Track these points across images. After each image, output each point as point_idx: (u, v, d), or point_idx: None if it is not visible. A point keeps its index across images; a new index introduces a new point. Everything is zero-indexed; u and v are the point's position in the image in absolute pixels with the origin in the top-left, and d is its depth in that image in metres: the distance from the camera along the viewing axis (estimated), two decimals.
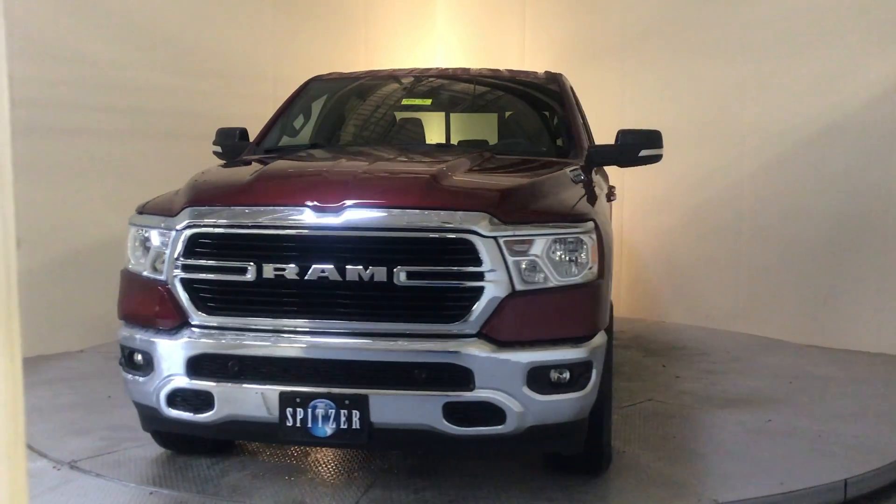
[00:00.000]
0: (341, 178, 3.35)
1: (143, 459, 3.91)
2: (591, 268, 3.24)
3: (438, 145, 4.70)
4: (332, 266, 3.07)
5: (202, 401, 3.23)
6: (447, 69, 5.46)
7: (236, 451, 3.99)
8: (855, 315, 6.58)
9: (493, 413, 3.06)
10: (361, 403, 3.05)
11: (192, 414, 3.26)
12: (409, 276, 3.05)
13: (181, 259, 3.25)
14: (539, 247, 3.12)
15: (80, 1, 6.15)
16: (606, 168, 5.29)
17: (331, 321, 3.14)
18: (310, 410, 3.09)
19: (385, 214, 3.11)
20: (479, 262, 3.04)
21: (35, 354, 5.59)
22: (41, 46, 5.82)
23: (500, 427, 3.07)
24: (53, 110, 5.89)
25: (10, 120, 1.26)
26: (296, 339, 3.14)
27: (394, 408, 3.08)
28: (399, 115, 5.21)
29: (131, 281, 3.49)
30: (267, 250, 3.18)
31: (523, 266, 3.10)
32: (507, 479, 3.68)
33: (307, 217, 3.13)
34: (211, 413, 3.21)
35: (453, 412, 3.05)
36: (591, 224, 3.28)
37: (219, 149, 4.85)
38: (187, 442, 3.89)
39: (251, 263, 3.14)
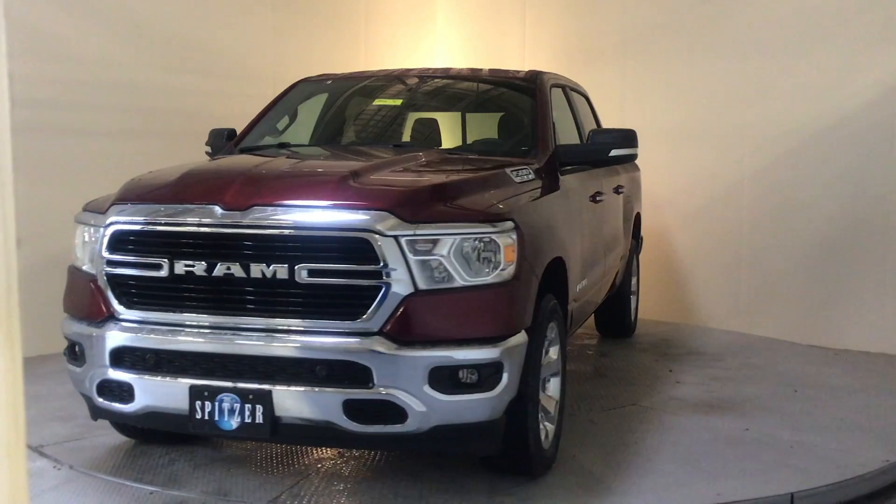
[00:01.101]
0: (253, 179, 3.42)
1: (104, 447, 4.04)
2: (503, 268, 3.20)
3: (395, 145, 4.65)
4: (237, 263, 3.16)
5: (125, 392, 3.36)
6: (429, 69, 5.45)
7: (199, 441, 4.05)
8: (855, 315, 6.58)
9: (393, 411, 3.07)
10: (265, 398, 3.12)
11: (117, 404, 3.40)
12: (311, 273, 3.11)
13: (106, 254, 3.40)
14: (445, 246, 3.11)
15: (80, 1, 6.15)
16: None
17: (237, 317, 3.21)
18: (217, 404, 3.18)
19: (287, 213, 3.17)
20: (377, 261, 3.06)
21: (35, 354, 5.59)
22: (41, 46, 5.82)
23: (401, 425, 3.09)
24: (53, 110, 5.89)
25: (10, 120, 1.26)
26: (205, 334, 3.24)
27: (296, 403, 3.12)
28: (371, 115, 5.26)
29: (73, 275, 3.66)
30: (179, 247, 3.28)
31: (427, 265, 3.10)
32: (433, 476, 3.69)
33: (216, 216, 3.22)
34: (133, 404, 3.35)
35: (353, 409, 3.08)
36: (508, 224, 3.24)
37: (210, 149, 4.90)
38: (148, 431, 3.96)
39: (165, 260, 3.26)
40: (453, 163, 4.10)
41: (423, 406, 3.06)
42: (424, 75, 5.25)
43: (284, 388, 3.12)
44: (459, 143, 5.04)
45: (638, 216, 6.71)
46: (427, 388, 3.05)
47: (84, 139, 6.08)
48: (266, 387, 3.13)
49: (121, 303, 3.37)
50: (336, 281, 3.11)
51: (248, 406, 3.14)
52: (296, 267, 3.11)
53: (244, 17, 7.27)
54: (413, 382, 3.04)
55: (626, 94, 7.60)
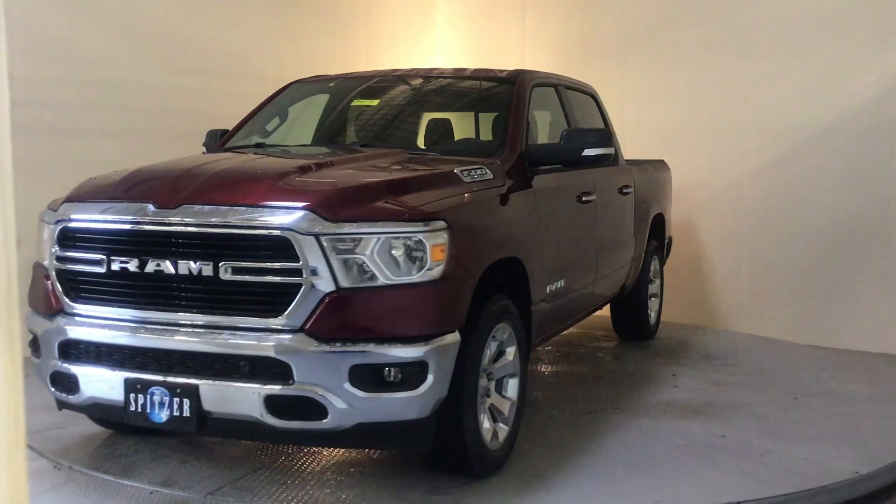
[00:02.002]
0: (186, 178, 3.50)
1: (78, 436, 4.16)
2: (430, 268, 3.20)
3: (362, 145, 4.64)
4: (166, 260, 3.26)
5: (72, 383, 3.48)
6: (414, 70, 5.44)
7: (173, 434, 4.09)
8: (855, 315, 6.59)
9: (313, 408, 3.11)
10: (192, 392, 3.20)
11: (66, 395, 3.53)
12: (234, 271, 3.17)
13: (55, 250, 3.53)
14: (368, 245, 3.13)
15: (80, 1, 6.15)
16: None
17: (168, 313, 3.30)
18: (149, 397, 3.27)
19: (212, 212, 3.24)
20: (297, 259, 3.10)
21: None
22: (41, 46, 5.81)
23: (322, 422, 3.12)
24: (53, 110, 5.89)
25: (10, 120, 1.26)
26: (139, 329, 3.33)
27: (221, 398, 3.18)
28: (349, 115, 5.28)
29: (35, 270, 3.76)
30: (115, 244, 3.40)
31: (350, 264, 3.12)
32: (376, 472, 3.74)
33: (149, 214, 3.33)
34: (79, 395, 3.48)
35: (275, 405, 3.13)
36: (438, 224, 3.25)
37: (205, 149, 4.95)
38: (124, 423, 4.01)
39: (103, 256, 3.38)
40: (403, 163, 4.08)
41: (344, 403, 3.09)
42: (409, 76, 5.27)
43: (211, 383, 3.19)
44: (433, 142, 5.00)
45: (660, 217, 6.59)
46: (347, 386, 3.08)
47: (84, 139, 6.08)
48: (193, 381, 3.21)
49: (68, 297, 3.50)
50: (258, 279, 3.17)
51: (176, 400, 3.22)
52: (220, 264, 3.18)
53: (244, 17, 7.27)
54: (333, 379, 3.07)
55: (626, 94, 7.60)
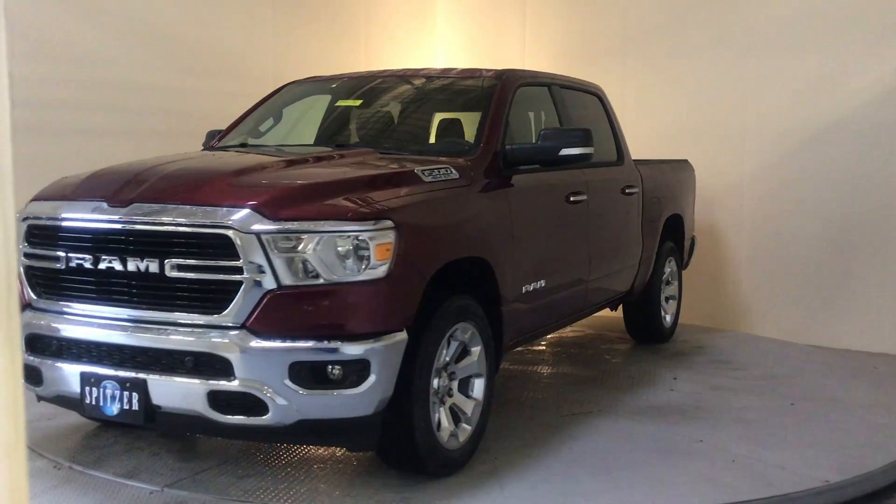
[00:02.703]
0: (139, 178, 3.56)
1: (63, 427, 4.29)
2: (374, 267, 3.22)
3: (338, 145, 4.70)
4: (117, 257, 3.35)
5: (37, 376, 3.60)
6: (403, 70, 5.45)
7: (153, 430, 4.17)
8: (855, 315, 6.59)
9: (254, 404, 3.16)
10: (141, 387, 3.29)
11: (35, 387, 3.65)
12: (180, 268, 3.25)
13: (22, 247, 3.65)
14: (309, 244, 3.15)
15: (80, 1, 6.15)
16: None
17: (119, 309, 3.40)
18: (102, 390, 3.37)
19: (160, 210, 3.32)
20: (237, 257, 3.15)
21: None
22: (41, 46, 5.81)
23: (263, 418, 3.17)
24: (53, 110, 5.89)
25: (10, 120, 1.26)
26: (94, 324, 3.44)
27: (168, 393, 3.27)
28: (332, 116, 5.31)
29: None
30: (72, 242, 3.50)
31: (291, 262, 3.15)
32: (329, 468, 3.78)
33: (102, 212, 3.43)
34: (44, 387, 3.61)
35: (217, 401, 3.19)
36: (384, 223, 3.27)
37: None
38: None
39: (61, 253, 3.49)
40: (366, 163, 4.08)
41: (284, 400, 3.13)
42: (398, 76, 5.29)
43: (158, 378, 3.28)
44: (409, 142, 4.99)
45: (677, 218, 6.49)
46: (287, 383, 3.12)
47: (84, 139, 6.08)
48: (142, 376, 3.29)
49: (34, 293, 3.64)
50: (202, 276, 3.23)
51: (126, 394, 3.31)
52: (165, 262, 3.26)
53: (244, 17, 7.27)
54: (273, 376, 3.12)
55: (626, 94, 7.60)
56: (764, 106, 6.96)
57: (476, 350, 3.83)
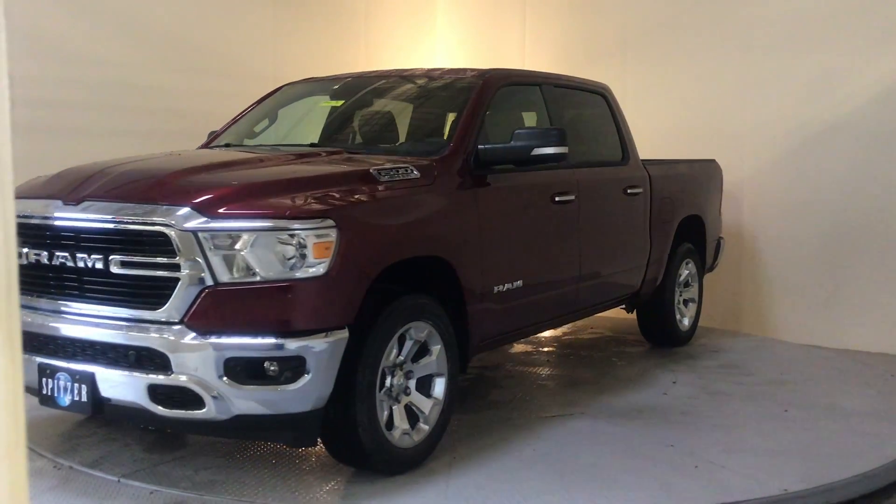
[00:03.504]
0: (93, 176, 3.68)
1: (52, 418, 4.35)
2: (311, 265, 3.25)
3: (312, 144, 4.74)
4: (68, 253, 3.48)
5: None
6: (391, 71, 5.47)
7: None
8: (854, 315, 6.59)
9: (191, 398, 3.25)
10: (89, 379, 3.40)
11: None
12: (122, 265, 3.36)
13: None
14: (246, 242, 3.21)
15: (80, 1, 6.15)
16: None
17: (72, 303, 3.52)
18: (55, 381, 3.49)
19: (106, 208, 3.44)
20: (174, 255, 3.24)
21: None
22: (41, 46, 5.81)
23: (200, 412, 3.25)
24: (53, 110, 5.89)
25: (11, 120, 1.26)
26: (49, 318, 3.56)
27: (114, 386, 3.37)
28: (313, 116, 5.37)
29: None
30: (32, 238, 3.62)
31: (228, 260, 3.22)
32: (280, 462, 3.87)
33: (57, 210, 3.55)
34: None
35: (157, 394, 3.30)
36: (324, 221, 3.30)
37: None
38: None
39: (24, 249, 3.61)
40: (326, 162, 4.12)
41: (219, 395, 3.21)
42: (385, 76, 5.31)
43: (104, 370, 3.39)
44: (381, 141, 5.04)
45: (695, 219, 6.36)
46: (223, 378, 3.19)
47: (84, 139, 6.08)
48: (90, 369, 3.40)
49: None
50: (142, 272, 3.33)
51: (76, 385, 3.43)
52: (110, 258, 3.37)
53: (244, 17, 7.27)
54: (208, 371, 3.19)
55: (626, 94, 7.59)
56: (764, 106, 6.96)
57: (436, 349, 3.85)
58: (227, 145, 5.00)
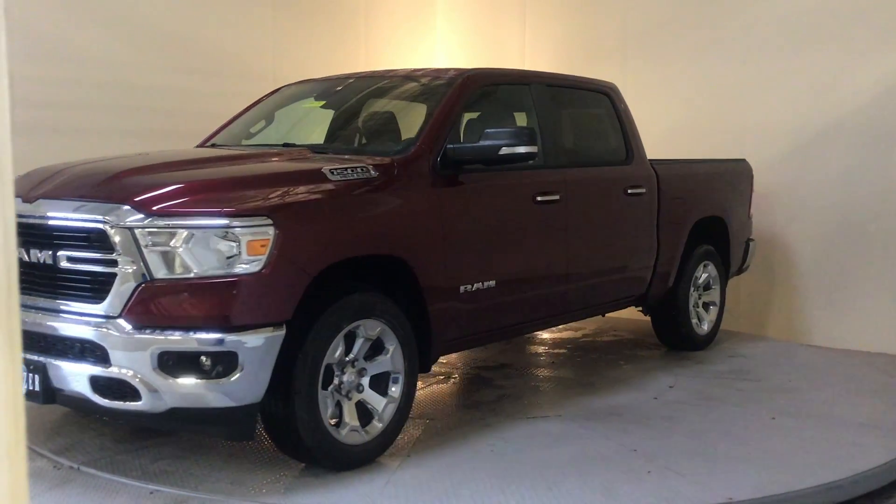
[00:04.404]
0: (48, 175, 3.81)
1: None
2: (245, 262, 3.32)
3: (285, 144, 4.77)
4: (23, 249, 3.60)
5: None
6: (374, 72, 5.48)
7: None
8: (855, 315, 6.58)
9: (128, 390, 3.35)
10: (41, 370, 3.51)
11: None
12: (69, 260, 3.50)
13: None
14: (181, 239, 3.30)
15: (80, 1, 6.15)
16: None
17: (29, 297, 3.63)
18: None
19: (54, 206, 3.58)
20: (112, 251, 3.37)
21: None
22: (41, 46, 5.82)
23: (137, 404, 3.35)
24: (53, 110, 5.89)
25: (10, 120, 1.26)
26: None
27: (62, 376, 3.48)
28: (293, 117, 5.41)
29: None
30: None
31: (164, 256, 3.32)
32: (239, 455, 3.97)
33: (18, 207, 3.61)
34: None
35: (98, 385, 3.41)
36: (259, 219, 3.36)
37: None
38: None
39: None
40: (278, 160, 4.19)
41: (154, 388, 3.30)
42: (372, 77, 5.36)
43: (54, 362, 3.50)
44: (346, 141, 5.08)
45: (715, 221, 6.22)
46: (156, 371, 3.29)
47: (84, 139, 6.08)
48: (42, 360, 3.52)
49: None
50: (86, 268, 3.47)
51: (30, 375, 3.54)
52: (57, 254, 3.51)
53: (244, 17, 7.27)
54: (143, 365, 3.29)
55: (626, 94, 7.58)
56: (764, 106, 6.96)
57: (391, 348, 3.88)
58: (213, 145, 5.09)
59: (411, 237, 4.02)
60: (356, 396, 3.80)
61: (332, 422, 3.68)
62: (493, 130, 4.34)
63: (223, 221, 3.32)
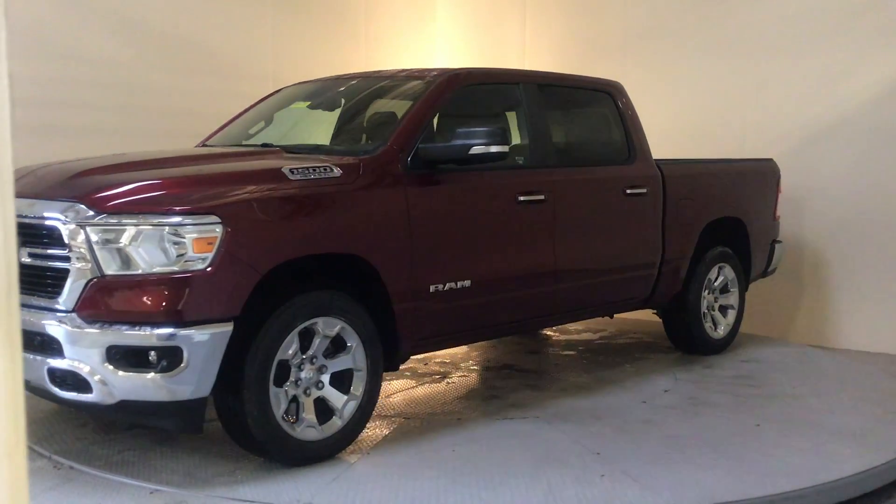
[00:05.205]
0: (26, 176, 3.91)
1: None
2: (191, 259, 3.40)
3: (264, 144, 4.81)
4: None
5: None
6: (363, 73, 5.48)
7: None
8: (855, 315, 6.58)
9: (81, 382, 3.45)
10: None
11: None
12: (30, 255, 3.61)
13: None
14: (129, 236, 3.40)
15: (80, 1, 6.15)
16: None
17: None
18: None
19: (20, 203, 3.65)
20: (64, 247, 3.48)
21: None
22: (41, 46, 5.82)
23: (89, 396, 3.46)
24: (53, 110, 5.89)
25: (11, 120, 1.26)
26: None
27: (27, 368, 3.53)
28: (280, 118, 5.41)
29: None
30: None
31: (113, 252, 3.42)
32: (202, 448, 4.06)
33: None
34: None
35: (54, 377, 3.51)
36: (207, 218, 3.44)
37: None
38: None
39: None
40: (237, 161, 4.24)
41: (103, 380, 3.40)
42: (360, 78, 5.36)
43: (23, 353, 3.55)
44: (321, 140, 5.09)
45: (733, 222, 6.09)
46: (106, 364, 3.39)
47: (84, 139, 6.08)
48: None
49: None
50: (44, 263, 3.57)
51: None
52: (21, 250, 3.59)
53: (244, 17, 7.27)
54: (93, 358, 3.40)
55: None
56: (764, 106, 6.96)
57: (352, 346, 3.91)
58: (204, 146, 5.15)
59: (374, 236, 4.01)
60: (315, 393, 3.84)
61: (292, 419, 3.75)
62: (464, 130, 4.31)
63: (172, 219, 3.42)
